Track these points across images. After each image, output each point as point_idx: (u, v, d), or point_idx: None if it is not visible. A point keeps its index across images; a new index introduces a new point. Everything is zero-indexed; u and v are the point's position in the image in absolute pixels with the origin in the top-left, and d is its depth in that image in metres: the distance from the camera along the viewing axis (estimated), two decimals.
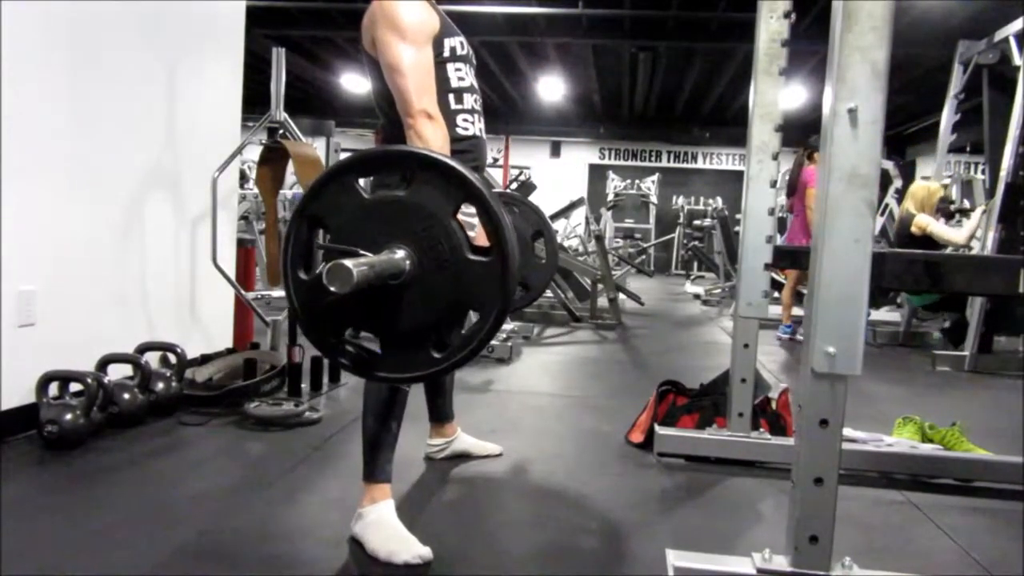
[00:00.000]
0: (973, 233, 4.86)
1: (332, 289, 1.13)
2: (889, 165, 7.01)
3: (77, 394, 2.46)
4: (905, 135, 12.62)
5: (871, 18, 1.38)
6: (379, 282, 1.22)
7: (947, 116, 5.59)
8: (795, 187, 5.41)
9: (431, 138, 1.69)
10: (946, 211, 5.41)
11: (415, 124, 1.70)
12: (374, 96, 1.88)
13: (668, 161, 14.97)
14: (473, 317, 1.31)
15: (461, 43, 1.90)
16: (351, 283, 1.11)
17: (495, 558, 1.78)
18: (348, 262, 1.12)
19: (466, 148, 1.89)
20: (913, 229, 4.97)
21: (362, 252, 1.25)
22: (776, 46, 2.40)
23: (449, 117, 1.83)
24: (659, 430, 2.57)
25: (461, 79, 1.89)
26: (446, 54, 1.85)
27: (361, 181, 1.32)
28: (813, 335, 1.44)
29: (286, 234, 1.34)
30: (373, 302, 1.28)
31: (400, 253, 1.26)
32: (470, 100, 1.92)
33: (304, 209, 1.32)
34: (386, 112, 1.85)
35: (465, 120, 1.90)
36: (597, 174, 14.73)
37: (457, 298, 1.29)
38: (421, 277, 1.27)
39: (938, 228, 4.94)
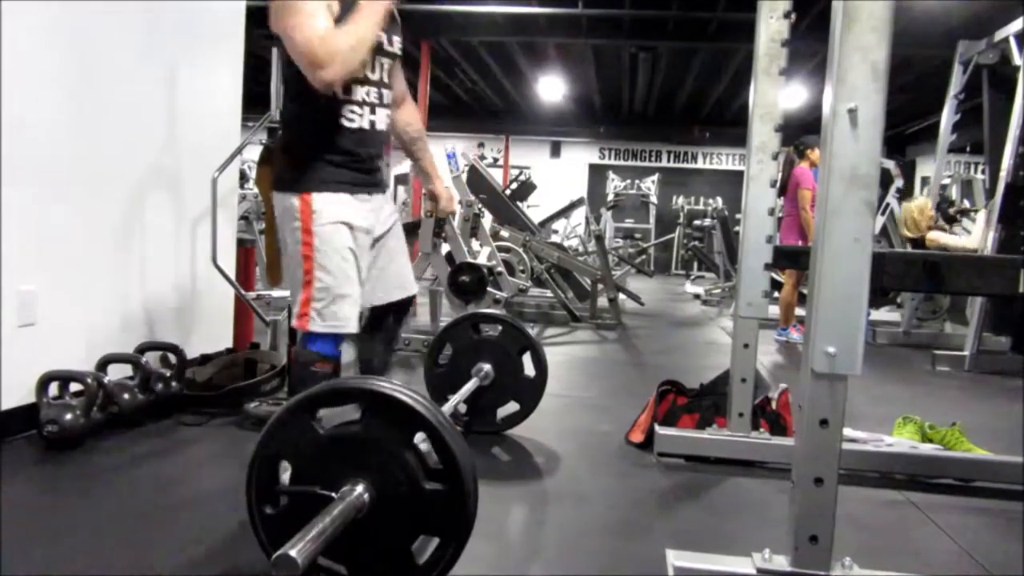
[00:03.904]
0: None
1: None
2: (890, 164, 6.99)
3: (77, 394, 2.46)
4: (905, 135, 12.62)
5: (871, 18, 1.38)
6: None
7: (947, 116, 5.58)
8: (786, 187, 5.31)
9: (336, 46, 1.60)
10: (946, 213, 5.41)
11: (313, 54, 1.59)
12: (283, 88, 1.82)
13: (668, 161, 14.97)
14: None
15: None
16: (298, 571, 1.10)
17: (494, 558, 1.78)
18: (293, 551, 1.10)
19: (354, 143, 1.80)
20: (929, 246, 5.35)
21: (322, 492, 1.28)
22: (776, 46, 2.40)
23: (335, 108, 1.77)
24: (659, 430, 2.57)
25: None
26: None
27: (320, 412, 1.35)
28: (813, 335, 1.44)
29: (248, 474, 1.36)
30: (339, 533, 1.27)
31: (358, 489, 1.29)
32: (360, 92, 1.81)
33: (262, 450, 1.35)
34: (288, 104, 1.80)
35: (352, 112, 1.80)
36: (597, 174, 14.72)
37: (418, 526, 1.33)
38: (382, 508, 1.31)
39: (951, 240, 5.38)
